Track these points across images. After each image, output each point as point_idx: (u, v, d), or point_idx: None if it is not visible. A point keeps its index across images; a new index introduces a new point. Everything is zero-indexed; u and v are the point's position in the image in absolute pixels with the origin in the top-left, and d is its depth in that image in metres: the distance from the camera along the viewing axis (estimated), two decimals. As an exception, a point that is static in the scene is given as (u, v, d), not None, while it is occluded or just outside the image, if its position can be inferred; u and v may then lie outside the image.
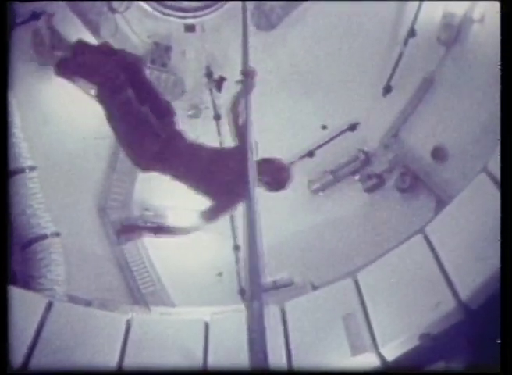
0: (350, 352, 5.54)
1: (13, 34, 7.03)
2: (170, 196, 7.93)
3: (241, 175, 3.92)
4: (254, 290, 3.03)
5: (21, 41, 7.15)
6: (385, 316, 5.66)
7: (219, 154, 4.97)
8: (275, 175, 4.84)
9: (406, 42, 7.42)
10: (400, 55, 7.46)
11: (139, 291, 7.45)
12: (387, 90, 7.58)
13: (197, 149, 4.81)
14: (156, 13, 7.81)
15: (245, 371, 5.30)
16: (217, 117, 7.89)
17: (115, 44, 7.52)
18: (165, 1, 7.83)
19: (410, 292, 5.60)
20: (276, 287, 7.07)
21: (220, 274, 7.67)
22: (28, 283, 6.82)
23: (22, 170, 6.92)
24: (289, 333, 5.92)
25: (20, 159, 6.94)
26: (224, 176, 4.65)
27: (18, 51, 7.11)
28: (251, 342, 2.73)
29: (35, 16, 7.30)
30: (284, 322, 6.03)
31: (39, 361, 5.43)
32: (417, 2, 7.32)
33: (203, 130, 7.92)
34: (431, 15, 7.33)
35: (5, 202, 4.27)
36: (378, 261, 6.18)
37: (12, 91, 6.84)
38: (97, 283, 7.08)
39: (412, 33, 7.38)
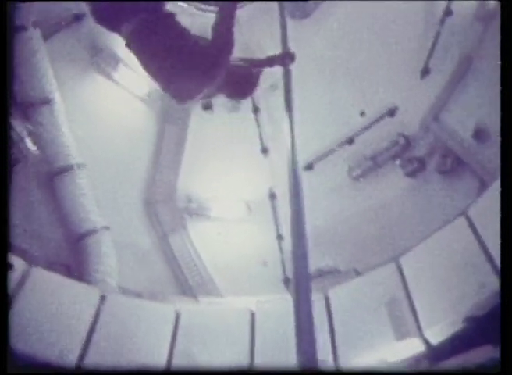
0: (395, 337, 5.60)
1: (57, 37, 7.32)
2: (213, 187, 8.12)
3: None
4: (301, 284, 3.09)
5: (65, 43, 7.41)
6: (429, 300, 5.67)
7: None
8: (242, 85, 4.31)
9: (443, 22, 7.29)
10: (437, 35, 7.33)
11: (186, 282, 7.69)
12: (425, 72, 7.48)
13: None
14: (191, 9, 7.94)
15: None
16: (255, 110, 7.99)
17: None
18: (199, -3, 7.95)
19: (453, 275, 5.58)
20: (320, 274, 7.16)
21: (265, 264, 7.81)
22: (82, 276, 7.15)
23: (71, 168, 7.25)
24: (333, 319, 6.02)
25: (69, 157, 7.25)
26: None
27: (62, 53, 7.41)
28: (299, 335, 2.82)
29: (78, 17, 7.54)
30: (328, 308, 6.14)
31: (95, 351, 5.73)
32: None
33: (242, 123, 8.09)
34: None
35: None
36: (421, 245, 6.17)
37: (59, 92, 7.19)
38: (146, 274, 7.35)
39: (449, 11, 7.25)
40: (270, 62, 4.47)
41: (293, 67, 8.45)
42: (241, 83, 4.27)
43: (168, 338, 5.88)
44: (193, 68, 3.73)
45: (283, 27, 5.55)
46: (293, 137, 4.06)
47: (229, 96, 4.37)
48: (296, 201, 3.56)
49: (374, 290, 6.13)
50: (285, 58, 4.67)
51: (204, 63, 3.73)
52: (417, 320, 5.55)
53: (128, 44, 3.91)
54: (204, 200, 8.11)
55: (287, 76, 4.62)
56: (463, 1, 7.24)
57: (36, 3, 6.68)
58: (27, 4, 6.62)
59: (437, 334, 5.40)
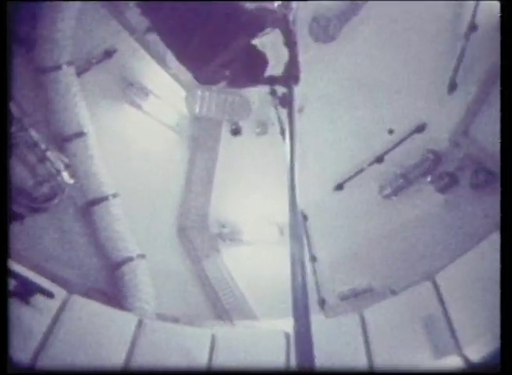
0: (433, 355, 5.52)
1: (89, 73, 7.62)
2: (244, 212, 8.22)
3: None
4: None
5: (97, 78, 7.70)
6: (467, 317, 5.58)
7: None
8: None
9: (467, 36, 7.30)
10: (463, 50, 7.33)
11: (222, 306, 7.76)
12: (452, 87, 7.46)
13: None
14: (218, 38, 8.15)
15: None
16: (283, 132, 8.06)
17: (182, 73, 8.04)
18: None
19: (490, 290, 5.48)
20: (355, 294, 7.13)
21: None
22: (120, 303, 7.30)
23: (106, 198, 7.46)
24: (370, 339, 5.97)
25: (104, 188, 7.49)
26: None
27: (95, 88, 7.71)
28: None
29: (108, 54, 7.85)
30: (364, 328, 6.09)
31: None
32: (475, -4, 7.21)
33: (271, 146, 8.19)
34: (490, 6, 7.18)
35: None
36: (456, 261, 6.10)
37: (93, 125, 7.47)
38: (182, 300, 7.44)
39: (473, 26, 7.25)
40: (273, 80, 4.93)
41: (320, 90, 8.60)
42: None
43: (205, 362, 5.93)
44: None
45: (292, 47, 5.66)
46: (292, 158, 4.17)
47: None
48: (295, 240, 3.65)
49: (410, 308, 6.07)
50: (289, 79, 4.88)
51: None
52: (455, 338, 5.47)
53: None
54: (236, 224, 8.21)
55: (290, 95, 4.77)
56: (487, 14, 7.28)
57: (67, 43, 7.00)
58: (60, 45, 6.95)
59: (477, 351, 5.30)
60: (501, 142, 4.74)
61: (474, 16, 7.17)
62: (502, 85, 4.79)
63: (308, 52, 8.01)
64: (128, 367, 5.76)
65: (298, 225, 4.06)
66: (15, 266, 5.97)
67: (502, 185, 4.81)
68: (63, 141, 7.25)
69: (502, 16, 5.16)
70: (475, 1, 7.23)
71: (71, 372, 5.35)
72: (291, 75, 4.95)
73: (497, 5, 7.09)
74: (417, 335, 5.73)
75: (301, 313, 3.19)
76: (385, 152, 7.84)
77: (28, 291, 5.67)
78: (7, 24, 5.00)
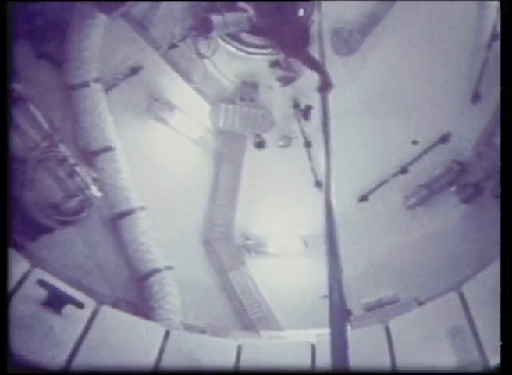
0: (459, 367, 5.48)
1: (116, 89, 7.82)
2: (269, 224, 8.29)
3: None
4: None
5: (123, 94, 7.89)
6: (493, 328, 5.54)
7: None
8: None
9: (490, 46, 7.32)
10: (486, 60, 7.36)
11: (248, 317, 7.81)
12: (476, 97, 7.48)
13: None
14: (241, 53, 8.29)
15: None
16: (307, 144, 8.15)
17: (206, 88, 8.23)
18: (248, 41, 8.31)
19: (517, 301, 5.44)
20: (381, 305, 7.11)
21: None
22: (148, 314, 7.41)
23: (133, 211, 7.60)
24: (395, 351, 5.95)
25: (130, 201, 7.63)
26: None
27: (122, 103, 7.90)
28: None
29: (134, 70, 8.04)
30: (389, 339, 6.08)
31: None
32: (496, 5, 7.22)
33: (295, 158, 8.27)
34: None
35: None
36: (483, 272, 6.06)
37: (120, 140, 7.66)
38: (208, 311, 7.52)
39: (495, 36, 7.27)
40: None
41: (344, 103, 8.67)
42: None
43: (231, 372, 5.98)
44: None
45: (322, 57, 5.80)
46: (328, 163, 4.22)
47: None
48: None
49: (436, 319, 6.04)
50: (324, 86, 5.05)
51: None
52: (481, 349, 5.43)
53: None
54: (261, 237, 8.28)
55: (325, 102, 4.88)
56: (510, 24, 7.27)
57: (94, 60, 7.21)
58: (87, 62, 7.17)
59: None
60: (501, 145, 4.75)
61: (495, 25, 7.20)
62: (502, 84, 4.80)
63: (330, 65, 8.13)
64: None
65: (335, 241, 4.01)
66: (47, 277, 6.14)
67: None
68: (91, 155, 7.45)
69: (502, 16, 5.18)
70: (496, 11, 7.26)
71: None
72: (325, 83, 5.19)
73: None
74: (443, 346, 5.70)
75: (338, 329, 3.20)
76: (410, 163, 7.86)
77: (60, 301, 5.82)
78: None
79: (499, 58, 7.39)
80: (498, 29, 7.18)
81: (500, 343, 4.29)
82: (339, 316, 3.27)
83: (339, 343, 3.14)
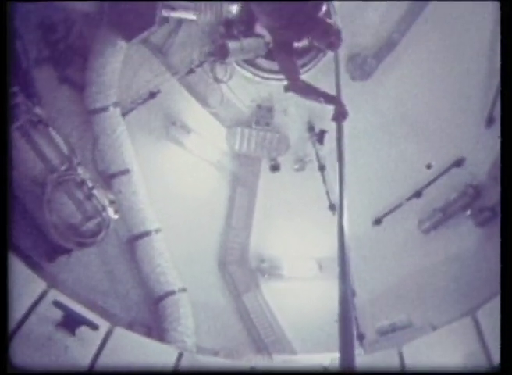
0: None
1: (134, 113, 7.99)
2: (284, 246, 8.33)
3: None
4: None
5: (141, 118, 8.07)
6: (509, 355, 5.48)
7: None
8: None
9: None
10: (500, 85, 7.37)
11: (261, 340, 7.82)
12: (490, 121, 7.48)
13: None
14: (256, 78, 8.44)
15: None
16: (321, 168, 8.21)
17: (223, 112, 8.37)
18: (264, 66, 8.46)
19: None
20: (394, 329, 7.07)
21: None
22: (161, 336, 7.45)
23: (149, 233, 7.72)
24: (409, 375, 5.91)
25: (147, 223, 7.75)
26: None
27: (139, 127, 8.08)
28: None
29: (152, 95, 8.22)
30: (402, 364, 6.04)
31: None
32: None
33: (309, 182, 8.33)
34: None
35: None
36: (497, 298, 6.01)
37: (137, 162, 7.81)
38: (222, 333, 7.56)
39: (509, 62, 7.31)
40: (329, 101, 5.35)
41: (359, 127, 8.72)
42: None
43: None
44: None
45: (338, 85, 5.89)
46: (341, 191, 4.25)
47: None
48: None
49: (450, 344, 6.00)
50: (339, 115, 5.09)
51: None
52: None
53: None
54: (275, 259, 8.32)
55: (339, 130, 4.94)
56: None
57: (114, 85, 7.41)
58: (107, 87, 7.37)
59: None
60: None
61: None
62: (502, 84, 4.82)
63: (345, 90, 8.22)
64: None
65: (347, 263, 3.96)
66: (62, 298, 6.24)
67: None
68: (109, 177, 7.60)
69: (502, 16, 5.21)
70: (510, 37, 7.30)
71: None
72: (339, 112, 5.27)
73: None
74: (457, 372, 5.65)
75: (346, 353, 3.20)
76: (424, 187, 7.87)
77: (74, 322, 5.90)
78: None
79: (513, 83, 7.49)
80: (512, 54, 7.24)
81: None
82: (349, 339, 3.26)
83: (347, 365, 3.13)
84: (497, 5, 7.62)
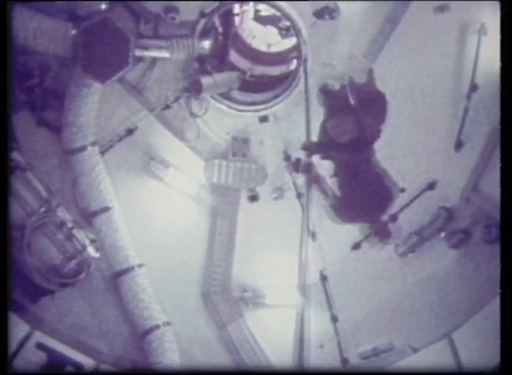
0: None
1: (112, 151, 8.14)
2: (266, 275, 8.43)
3: None
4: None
5: (119, 155, 8.21)
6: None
7: None
8: None
9: (469, 97, 7.60)
10: (466, 110, 7.62)
11: (247, 369, 7.89)
12: (459, 145, 7.71)
13: None
14: (231, 111, 8.62)
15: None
16: (299, 196, 8.35)
17: (200, 145, 8.52)
18: (238, 98, 8.66)
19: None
20: (376, 353, 7.19)
21: (321, 346, 7.92)
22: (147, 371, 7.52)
23: (131, 269, 7.82)
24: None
25: (129, 259, 7.86)
26: None
27: (118, 164, 8.22)
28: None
29: (130, 131, 8.35)
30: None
31: None
32: (474, 56, 7.54)
33: (288, 209, 8.47)
34: (489, 66, 7.49)
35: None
36: (471, 320, 6.19)
37: (117, 199, 7.94)
38: (207, 364, 7.61)
39: (473, 87, 7.56)
40: None
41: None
42: None
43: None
44: None
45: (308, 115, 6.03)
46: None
47: None
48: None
49: (428, 367, 6.15)
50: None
51: None
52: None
53: None
54: (258, 288, 8.41)
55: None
56: (487, 75, 7.57)
57: (91, 125, 7.56)
58: (85, 127, 7.52)
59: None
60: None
61: (473, 76, 7.50)
62: (502, 84, 5.02)
63: (317, 119, 8.43)
64: None
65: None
66: (47, 340, 6.32)
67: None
68: (90, 216, 7.71)
69: (502, 16, 5.43)
70: (474, 61, 7.57)
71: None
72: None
73: (496, 64, 7.44)
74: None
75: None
76: (399, 210, 8.04)
77: (59, 363, 5.98)
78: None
79: (478, 108, 7.73)
80: (476, 81, 7.49)
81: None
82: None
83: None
84: (461, 29, 7.96)
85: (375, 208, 5.87)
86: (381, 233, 7.74)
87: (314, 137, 7.27)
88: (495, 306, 6.00)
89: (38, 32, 7.06)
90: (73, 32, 7.21)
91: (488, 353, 5.65)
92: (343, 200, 5.92)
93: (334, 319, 7.90)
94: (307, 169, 6.12)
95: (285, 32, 11.16)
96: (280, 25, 11.26)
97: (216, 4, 7.99)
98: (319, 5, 7.89)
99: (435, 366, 6.01)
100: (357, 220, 7.45)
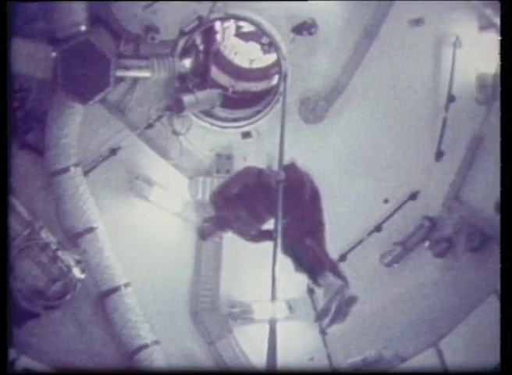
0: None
1: (96, 171, 8.14)
2: (253, 291, 8.43)
3: None
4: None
5: (103, 175, 8.22)
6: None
7: None
8: None
9: (447, 107, 7.73)
10: (445, 121, 7.74)
11: (237, 386, 7.88)
12: (439, 155, 7.81)
13: None
14: (214, 128, 8.69)
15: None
16: (283, 210, 8.40)
17: (183, 163, 8.55)
18: (220, 115, 8.74)
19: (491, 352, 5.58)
20: (366, 364, 7.20)
21: (312, 359, 7.93)
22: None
23: (118, 288, 7.80)
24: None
25: (115, 278, 7.84)
26: None
27: (102, 184, 8.23)
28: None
29: (113, 151, 8.35)
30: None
31: None
32: (450, 68, 7.68)
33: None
34: (465, 77, 7.63)
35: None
36: (457, 328, 6.24)
37: (101, 219, 7.94)
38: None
39: (451, 98, 7.69)
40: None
41: (315, 168, 8.93)
42: None
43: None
44: None
45: (283, 129, 6.09)
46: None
47: None
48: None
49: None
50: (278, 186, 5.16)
51: None
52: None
53: None
54: (246, 304, 8.42)
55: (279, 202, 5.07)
56: (463, 86, 7.71)
57: (73, 146, 7.58)
58: (67, 149, 7.54)
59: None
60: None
61: (450, 88, 7.63)
62: (502, 85, 5.09)
63: (300, 133, 8.51)
64: None
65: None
66: (33, 364, 6.27)
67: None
68: (75, 237, 7.70)
69: (502, 16, 5.51)
70: (450, 73, 7.70)
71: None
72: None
73: (472, 76, 7.59)
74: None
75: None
76: (383, 221, 8.10)
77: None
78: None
79: (456, 118, 7.85)
80: (453, 92, 7.62)
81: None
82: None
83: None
84: (436, 42, 8.11)
85: None
86: None
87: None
88: (479, 314, 6.07)
89: (18, 55, 7.12)
90: (53, 54, 7.28)
91: (474, 360, 5.71)
92: None
93: (323, 331, 7.93)
94: None
95: (267, 47, 11.25)
96: (262, 41, 11.38)
97: (196, 23, 8.09)
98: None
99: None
100: None
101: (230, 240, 8.56)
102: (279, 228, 4.74)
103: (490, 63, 7.36)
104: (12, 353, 5.96)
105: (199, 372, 6.54)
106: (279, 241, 4.63)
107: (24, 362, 6.03)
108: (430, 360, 6.19)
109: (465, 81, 7.57)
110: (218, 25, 10.15)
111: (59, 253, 6.74)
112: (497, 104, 7.25)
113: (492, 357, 5.47)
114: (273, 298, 4.22)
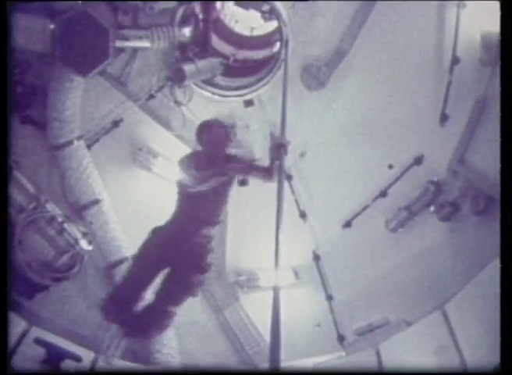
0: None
1: (99, 144, 8.14)
2: (259, 258, 8.49)
3: None
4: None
5: (107, 147, 8.23)
6: (476, 346, 5.70)
7: None
8: None
9: (451, 70, 7.60)
10: (449, 84, 7.61)
11: (245, 352, 8.00)
12: (443, 118, 7.72)
13: None
14: (216, 97, 8.63)
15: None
16: (288, 178, 8.39)
17: (186, 133, 8.52)
18: (222, 84, 8.66)
19: (494, 315, 5.60)
20: (371, 329, 7.28)
21: (318, 325, 8.02)
22: (147, 360, 7.61)
23: (125, 259, 7.87)
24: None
25: (122, 250, 7.92)
26: None
27: (106, 156, 8.25)
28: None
29: (116, 123, 8.34)
30: (380, 364, 6.26)
31: None
32: (454, 30, 7.54)
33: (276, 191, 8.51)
34: (470, 39, 7.48)
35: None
36: (463, 290, 6.24)
37: (106, 191, 7.98)
38: (206, 349, 7.72)
39: (455, 60, 7.56)
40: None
41: (319, 134, 8.88)
42: None
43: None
44: None
45: (285, 96, 6.06)
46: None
47: None
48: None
49: (422, 340, 6.23)
50: (279, 150, 5.23)
51: None
52: (465, 368, 5.59)
53: None
54: (252, 272, 8.50)
55: (280, 168, 5.11)
56: (468, 47, 7.56)
57: (76, 119, 7.56)
58: (69, 122, 7.52)
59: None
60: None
61: (454, 50, 7.50)
62: (502, 85, 5.03)
63: (304, 100, 8.45)
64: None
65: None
66: (45, 335, 6.38)
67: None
68: (80, 209, 7.76)
69: (502, 16, 5.42)
70: (455, 33, 7.56)
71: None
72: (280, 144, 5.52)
73: (476, 37, 7.44)
74: (431, 366, 5.87)
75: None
76: (388, 187, 8.08)
77: (57, 357, 6.05)
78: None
79: (461, 81, 7.73)
80: (457, 54, 7.48)
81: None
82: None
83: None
84: (439, 4, 7.94)
85: None
86: None
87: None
88: (483, 277, 6.06)
89: (16, 29, 7.05)
90: (51, 27, 7.21)
91: (481, 324, 5.72)
92: None
93: (329, 297, 8.02)
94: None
95: (268, 15, 11.09)
96: (263, 8, 11.21)
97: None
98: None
99: (430, 339, 6.07)
100: None
101: (235, 208, 8.68)
102: (282, 191, 4.80)
103: (495, 23, 7.20)
104: (23, 324, 6.09)
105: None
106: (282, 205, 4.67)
107: (36, 332, 6.15)
108: (436, 323, 6.22)
109: (469, 43, 7.41)
110: (217, -7, 10.01)
111: (66, 226, 6.81)
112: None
113: (495, 322, 5.51)
114: (277, 265, 4.23)
